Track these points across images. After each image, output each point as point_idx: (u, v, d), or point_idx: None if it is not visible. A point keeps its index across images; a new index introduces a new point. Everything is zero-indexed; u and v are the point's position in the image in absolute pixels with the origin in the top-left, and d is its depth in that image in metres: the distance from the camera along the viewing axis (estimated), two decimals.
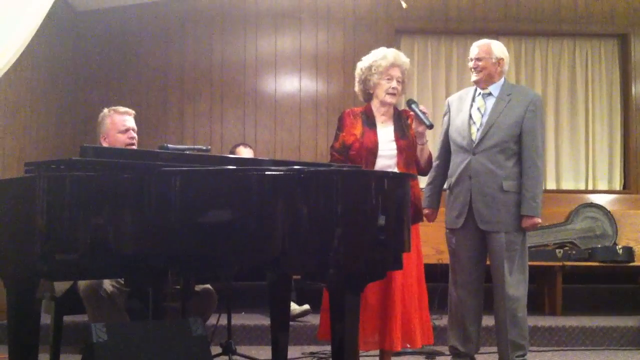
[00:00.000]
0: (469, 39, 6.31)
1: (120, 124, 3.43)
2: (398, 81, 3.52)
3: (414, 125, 3.49)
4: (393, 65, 3.52)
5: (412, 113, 3.47)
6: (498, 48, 3.74)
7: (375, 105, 3.57)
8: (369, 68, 3.54)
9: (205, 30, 6.55)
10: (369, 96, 3.60)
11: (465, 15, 6.67)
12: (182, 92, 6.52)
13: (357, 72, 3.61)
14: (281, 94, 6.59)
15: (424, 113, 3.42)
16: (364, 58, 3.62)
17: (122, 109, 3.48)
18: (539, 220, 3.61)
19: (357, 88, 3.65)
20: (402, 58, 3.58)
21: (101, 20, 6.42)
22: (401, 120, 3.57)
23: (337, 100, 6.46)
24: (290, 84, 6.61)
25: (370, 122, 3.52)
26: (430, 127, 3.42)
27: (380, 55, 3.55)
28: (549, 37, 6.83)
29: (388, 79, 3.50)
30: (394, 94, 3.52)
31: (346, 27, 6.61)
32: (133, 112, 3.52)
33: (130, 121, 3.47)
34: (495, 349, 3.82)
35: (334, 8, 6.62)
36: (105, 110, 3.49)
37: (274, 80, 6.60)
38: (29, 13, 3.76)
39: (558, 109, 6.80)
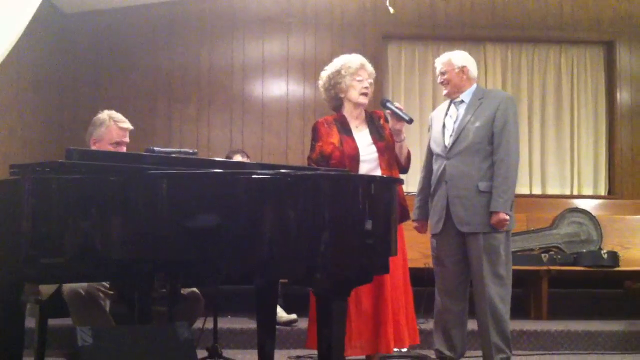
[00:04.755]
0: (456, 46, 6.35)
1: (116, 137, 3.36)
2: (368, 82, 3.55)
3: (391, 124, 3.52)
4: (362, 66, 3.57)
5: (388, 111, 3.50)
6: (458, 57, 3.83)
7: (347, 110, 3.59)
8: (338, 72, 3.55)
9: (193, 35, 6.55)
10: (339, 102, 3.62)
11: (452, 22, 6.71)
12: (170, 96, 6.51)
13: (324, 79, 3.62)
14: (268, 99, 6.60)
15: (400, 109, 3.46)
16: (327, 67, 3.63)
17: (123, 123, 3.40)
18: (506, 217, 3.60)
19: (324, 96, 3.66)
20: (369, 64, 3.63)
21: (89, 23, 6.40)
22: (374, 122, 3.61)
23: (324, 105, 6.40)
24: (277, 89, 6.62)
25: (345, 128, 3.54)
26: (410, 121, 3.48)
27: (348, 59, 3.60)
28: (535, 43, 6.88)
29: (359, 80, 3.53)
30: (366, 94, 3.55)
31: (334, 32, 6.63)
32: (131, 127, 3.44)
33: (125, 137, 3.40)
34: (478, 352, 3.84)
35: (322, 13, 6.64)
36: (106, 114, 3.40)
37: (262, 85, 6.61)
38: (15, 15, 3.74)
39: (544, 114, 6.85)
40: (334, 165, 3.45)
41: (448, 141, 3.73)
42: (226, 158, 5.28)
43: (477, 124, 3.68)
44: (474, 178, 3.65)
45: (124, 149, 3.40)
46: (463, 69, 3.79)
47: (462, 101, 3.80)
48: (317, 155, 3.52)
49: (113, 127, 3.37)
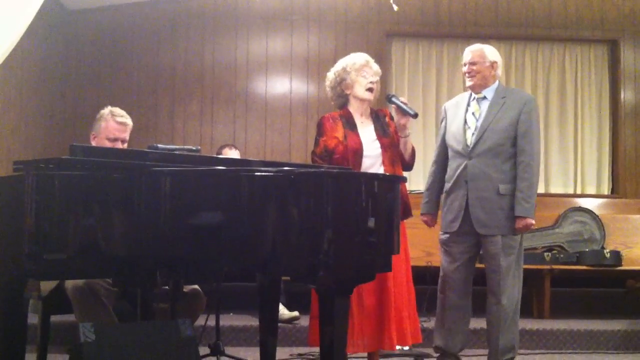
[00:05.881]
0: (460, 43, 6.36)
1: (112, 132, 3.35)
2: (374, 79, 3.55)
3: (396, 119, 3.52)
4: (367, 63, 3.56)
5: (393, 106, 3.50)
6: (491, 52, 3.76)
7: (353, 107, 3.59)
8: (344, 69, 3.56)
9: (196, 32, 6.55)
10: (345, 100, 3.62)
11: (456, 20, 6.70)
12: (173, 93, 6.52)
13: (330, 78, 3.62)
14: (272, 96, 6.60)
15: (405, 104, 3.45)
16: (333, 67, 3.63)
17: (120, 117, 3.38)
18: (532, 222, 3.58)
19: (330, 95, 3.66)
20: (374, 63, 3.62)
21: (92, 20, 6.41)
22: (379, 118, 3.60)
23: (327, 103, 6.42)
24: (281, 86, 6.62)
25: (350, 124, 3.54)
26: (415, 116, 3.45)
27: (353, 57, 3.60)
28: (539, 41, 6.87)
29: (364, 76, 3.52)
30: (372, 89, 3.54)
31: (337, 29, 6.63)
32: (131, 123, 3.43)
33: (123, 132, 3.38)
34: (481, 351, 3.83)
35: (326, 11, 6.63)
36: (107, 110, 3.40)
37: (265, 82, 6.60)
38: (19, 12, 3.75)
39: (547, 113, 6.84)
40: (337, 160, 3.44)
41: (470, 140, 3.66)
42: (216, 154, 5.26)
43: (501, 124, 3.62)
44: (495, 180, 3.60)
45: (120, 145, 3.37)
46: (493, 64, 3.73)
47: (484, 97, 3.73)
48: (321, 150, 3.52)
49: (111, 121, 3.37)
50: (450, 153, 3.79)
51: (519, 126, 3.62)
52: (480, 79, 3.72)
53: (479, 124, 3.68)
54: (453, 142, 3.75)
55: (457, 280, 3.72)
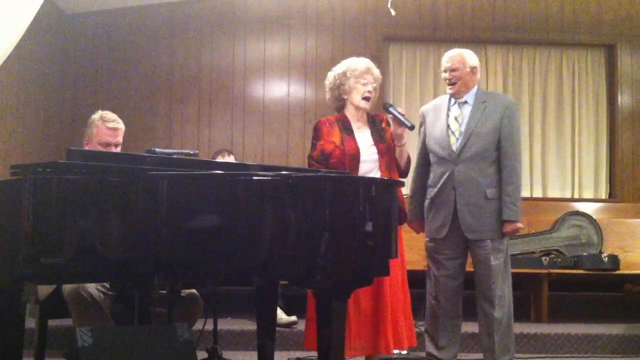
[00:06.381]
0: (457, 47, 6.34)
1: (104, 137, 3.33)
2: (372, 87, 3.55)
3: (392, 128, 3.52)
4: (368, 70, 3.57)
5: (390, 116, 3.50)
6: (471, 57, 3.74)
7: (349, 111, 3.60)
8: (344, 73, 3.57)
9: (194, 35, 6.55)
10: (342, 103, 3.62)
11: (453, 24, 6.71)
12: (171, 97, 6.51)
13: (330, 79, 3.63)
14: (269, 100, 6.60)
15: (402, 115, 3.45)
16: (334, 68, 3.64)
17: (112, 122, 3.36)
18: (521, 225, 3.62)
19: (328, 96, 3.66)
20: (376, 68, 3.61)
21: (90, 24, 6.41)
22: (376, 124, 3.61)
23: (325, 107, 6.43)
24: (278, 90, 6.62)
25: (347, 128, 3.54)
26: (412, 128, 3.46)
27: (355, 61, 3.60)
28: (536, 46, 6.88)
29: (363, 83, 3.53)
30: (368, 99, 3.54)
31: (335, 33, 6.63)
32: (123, 127, 3.40)
33: (115, 137, 3.36)
34: (477, 355, 3.82)
35: (323, 14, 6.64)
36: (98, 115, 3.38)
37: (263, 86, 6.60)
38: (16, 15, 3.74)
39: (545, 117, 6.85)
40: (334, 164, 3.45)
41: (456, 146, 3.63)
42: (212, 159, 5.23)
43: (485, 128, 3.62)
44: (482, 185, 3.60)
45: (113, 150, 3.35)
46: (473, 70, 3.71)
47: (465, 102, 3.71)
48: (317, 153, 3.53)
49: (102, 127, 3.34)
50: (433, 159, 3.75)
51: (502, 130, 3.63)
52: (461, 85, 3.70)
53: (463, 129, 3.66)
54: (437, 148, 3.71)
55: (450, 287, 3.71)
